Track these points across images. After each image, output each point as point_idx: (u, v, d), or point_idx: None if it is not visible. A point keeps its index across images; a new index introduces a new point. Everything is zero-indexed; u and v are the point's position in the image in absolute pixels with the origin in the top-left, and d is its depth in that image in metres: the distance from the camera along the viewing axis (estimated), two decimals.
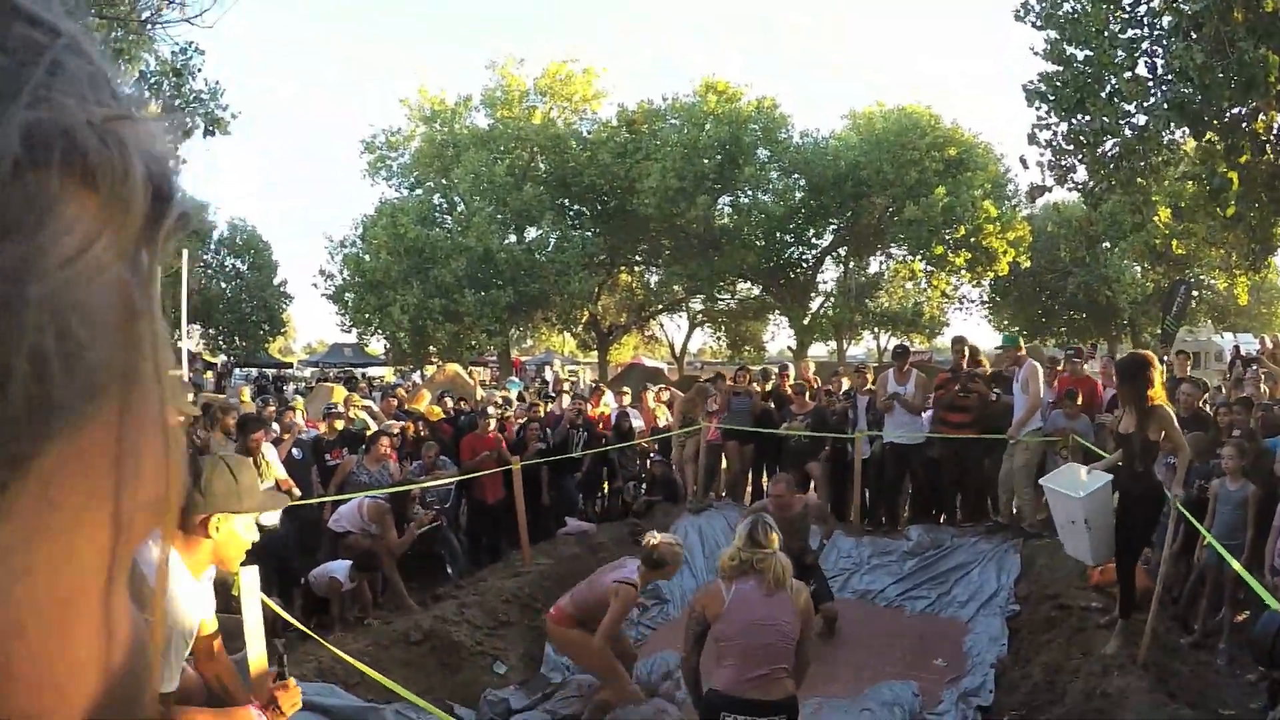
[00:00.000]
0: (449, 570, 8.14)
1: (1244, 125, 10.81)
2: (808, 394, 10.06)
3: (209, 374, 27.69)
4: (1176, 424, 5.24)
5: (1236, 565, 4.04)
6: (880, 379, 9.40)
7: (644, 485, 10.00)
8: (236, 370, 30.08)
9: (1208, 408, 7.69)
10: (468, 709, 5.32)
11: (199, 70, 13.72)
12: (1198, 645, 5.78)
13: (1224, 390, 9.41)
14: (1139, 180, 12.10)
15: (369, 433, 8.42)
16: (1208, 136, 11.15)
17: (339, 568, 6.32)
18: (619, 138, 28.68)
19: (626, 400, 11.55)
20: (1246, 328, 30.60)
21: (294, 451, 7.71)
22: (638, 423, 10.72)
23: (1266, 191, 11.23)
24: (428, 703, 4.89)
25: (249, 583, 2.97)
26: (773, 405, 10.08)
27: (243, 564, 2.78)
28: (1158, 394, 5.18)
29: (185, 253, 19.34)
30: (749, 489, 10.50)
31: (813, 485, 9.74)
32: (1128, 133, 11.62)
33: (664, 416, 11.18)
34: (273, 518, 6.55)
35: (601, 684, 5.34)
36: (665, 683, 5.92)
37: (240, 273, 34.11)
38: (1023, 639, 6.28)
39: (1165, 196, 13.79)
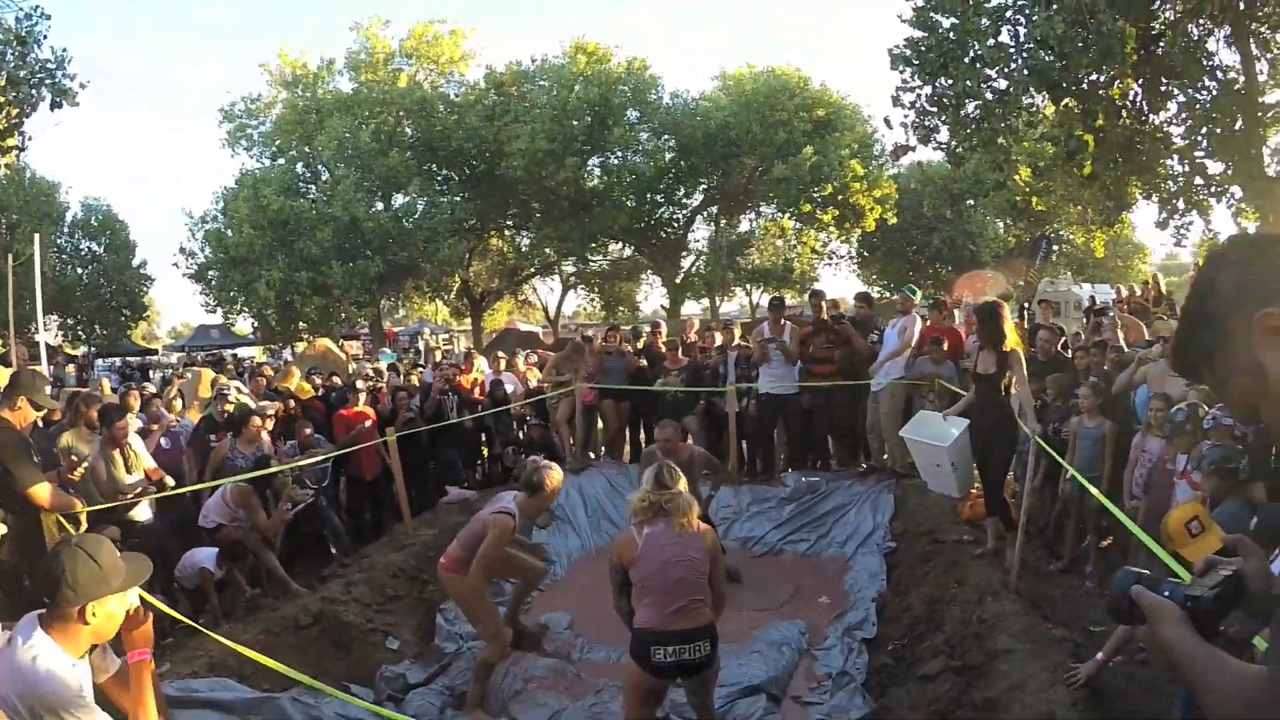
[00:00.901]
0: (333, 550, 7.90)
1: (1100, 92, 11.51)
2: (680, 349, 10.20)
3: (70, 367, 25.78)
4: (1024, 368, 5.72)
5: (1098, 494, 4.37)
6: (756, 330, 9.61)
7: (522, 449, 9.93)
8: (99, 361, 28.02)
9: (1067, 352, 8.27)
10: (364, 688, 5.18)
11: (44, 37, 12.61)
12: (1066, 570, 6.23)
13: (1082, 336, 10.11)
14: (999, 141, 12.74)
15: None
16: (1066, 101, 11.84)
17: (205, 555, 6.07)
18: (487, 100, 28.07)
19: (503, 366, 11.40)
20: (1104, 279, 32.88)
21: (163, 441, 7.28)
22: (512, 388, 10.60)
23: (1121, 154, 12.01)
24: (324, 685, 4.77)
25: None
26: (645, 363, 10.19)
27: None
28: (1011, 337, 5.63)
29: (37, 237, 17.77)
30: (627, 446, 10.62)
31: (689, 439, 9.94)
32: (989, 96, 12.21)
33: (536, 379, 11.11)
34: (145, 511, 6.20)
35: (485, 643, 5.36)
36: (556, 641, 5.99)
37: (97, 256, 31.74)
38: (901, 573, 6.57)
39: (1025, 156, 14.58)
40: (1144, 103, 12.04)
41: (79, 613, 2.36)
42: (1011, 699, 3.56)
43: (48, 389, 5.03)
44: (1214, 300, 1.12)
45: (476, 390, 10.45)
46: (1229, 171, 12.34)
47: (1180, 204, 12.90)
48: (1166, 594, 1.19)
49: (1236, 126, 11.94)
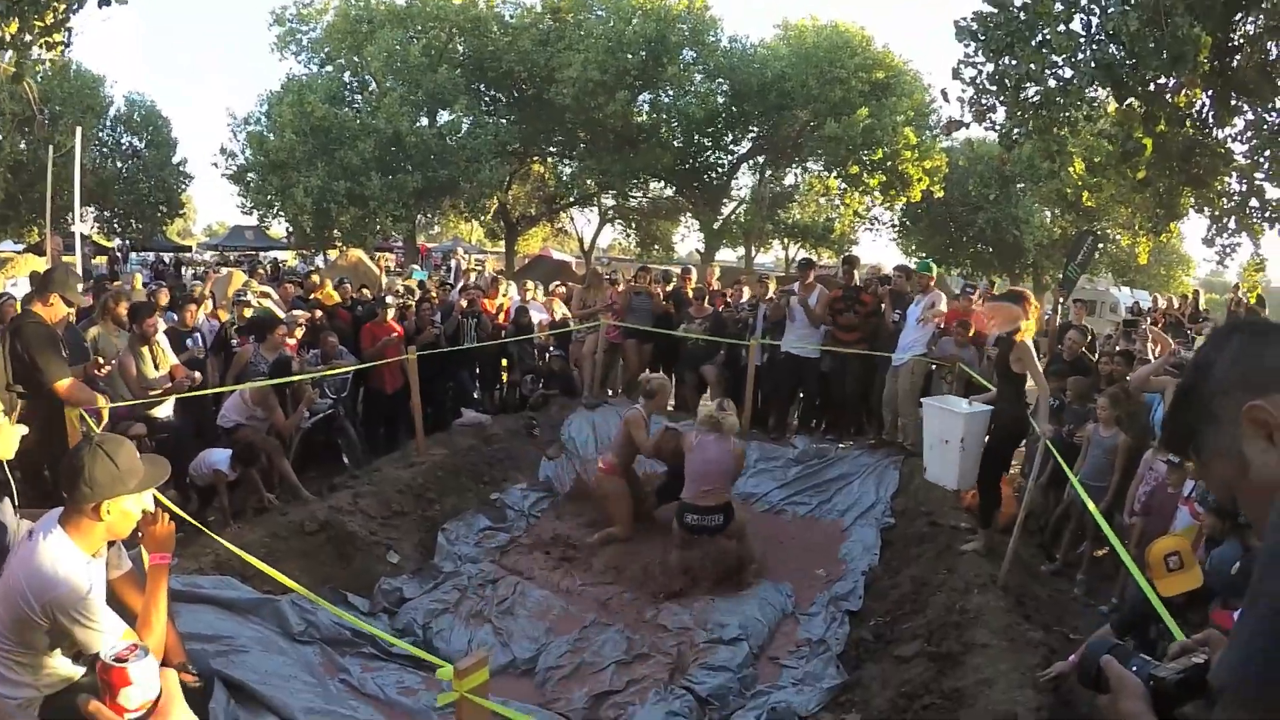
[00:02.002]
0: (346, 461, 8.10)
1: (1166, 96, 11.10)
2: (706, 299, 10.21)
3: (102, 259, 26.13)
4: (1036, 362, 5.56)
5: (1093, 508, 4.37)
6: (788, 287, 9.57)
7: (541, 379, 10.04)
8: (133, 254, 28.33)
9: (1094, 355, 8.19)
10: (362, 597, 5.39)
11: None
12: (1057, 574, 6.27)
13: (1112, 340, 9.97)
14: (1055, 130, 12.37)
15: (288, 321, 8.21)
16: (1129, 101, 11.44)
17: (219, 457, 6.18)
18: (542, 25, 27.58)
19: (531, 294, 11.45)
20: (1144, 285, 32.27)
21: (188, 342, 7.41)
22: (539, 316, 10.66)
23: (1178, 163, 11.63)
24: (319, 594, 4.94)
25: None
26: (673, 307, 10.20)
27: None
28: (1026, 328, 5.46)
29: (79, 130, 17.86)
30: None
31: (708, 388, 10.04)
32: (1051, 83, 11.80)
33: (561, 312, 11.17)
34: (166, 409, 6.37)
35: (614, 524, 6.80)
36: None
37: (137, 151, 31.64)
38: (894, 550, 6.64)
39: (1081, 150, 14.15)
40: (1210, 114, 11.63)
41: (94, 509, 2.46)
42: (979, 693, 3.65)
43: (80, 286, 5.15)
44: (1208, 382, 1.12)
45: (501, 316, 10.53)
46: None
47: (1231, 223, 12.54)
48: (1134, 669, 1.24)
49: None
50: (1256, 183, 11.87)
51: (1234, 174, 12.18)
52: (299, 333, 8.18)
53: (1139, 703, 1.18)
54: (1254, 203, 12.09)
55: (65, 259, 19.27)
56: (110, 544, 2.65)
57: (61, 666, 2.49)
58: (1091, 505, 4.59)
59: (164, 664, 2.69)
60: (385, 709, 4.07)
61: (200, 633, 3.90)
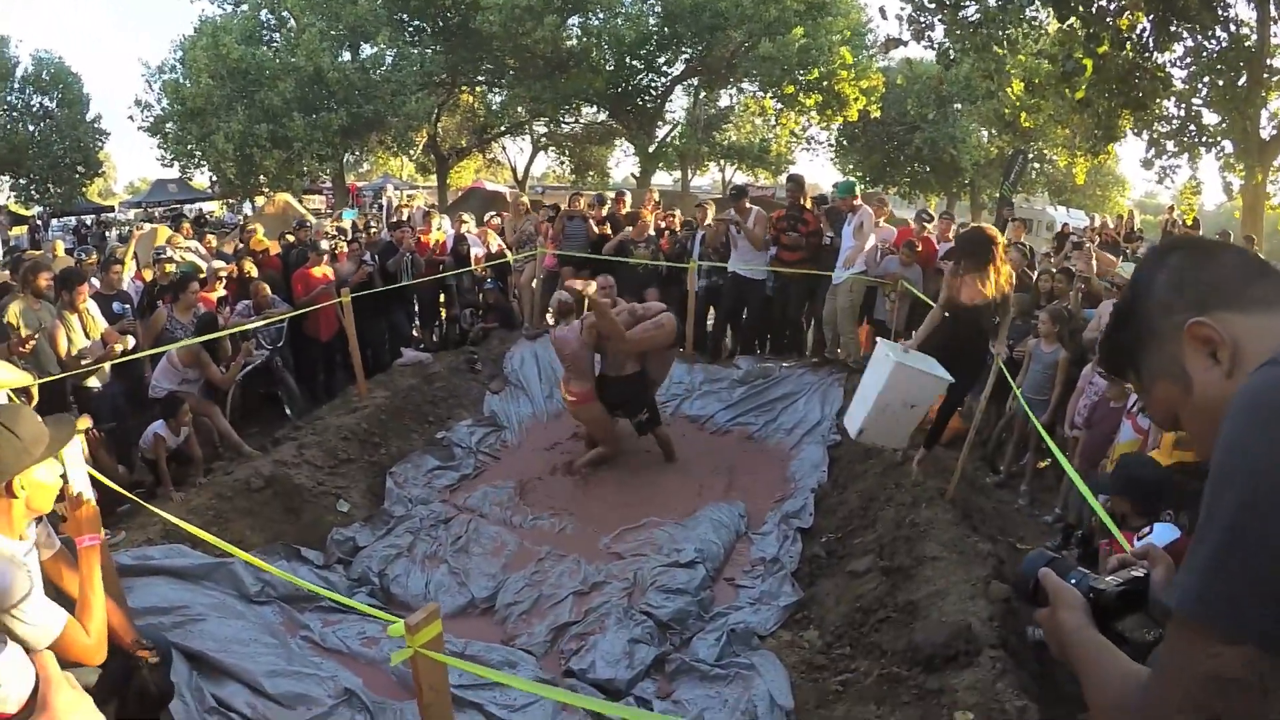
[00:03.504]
0: (287, 412, 7.92)
1: (1108, 19, 11.12)
2: (653, 228, 10.11)
3: (20, 229, 24.76)
4: (1010, 311, 5.55)
5: (1038, 424, 4.47)
6: (718, 217, 9.50)
7: (480, 313, 9.88)
8: (54, 221, 26.90)
9: (1033, 273, 8.34)
10: (315, 550, 5.31)
11: None
12: (1001, 485, 6.46)
13: (1050, 259, 10.18)
14: (995, 49, 12.36)
15: (201, 276, 7.84)
16: (1071, 21, 11.44)
17: (155, 425, 6.04)
18: None
19: (465, 226, 11.17)
20: (1080, 205, 32.74)
21: (115, 306, 7.09)
22: (476, 249, 10.45)
23: (1118, 85, 11.75)
24: (271, 551, 4.88)
25: (72, 454, 2.76)
26: (610, 231, 10.06)
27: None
28: (1004, 275, 5.35)
29: None
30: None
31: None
32: (991, 1, 11.76)
33: (496, 243, 10.97)
34: (100, 378, 6.12)
35: (600, 443, 6.95)
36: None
37: (49, 112, 29.78)
38: (841, 467, 6.74)
39: (1019, 70, 14.20)
40: (1150, 38, 11.74)
41: (6, 488, 2.31)
42: (932, 604, 3.76)
43: None
44: (1148, 300, 1.09)
45: (437, 250, 10.28)
46: (1224, 125, 12.18)
47: (1170, 146, 12.80)
48: (1073, 581, 1.21)
49: (1240, 82, 11.73)
50: (1194, 108, 12.09)
51: (1172, 99, 12.39)
52: (219, 287, 7.86)
53: (1078, 614, 1.16)
54: (1191, 128, 12.35)
55: None
56: (38, 522, 2.52)
57: None
58: (1036, 422, 4.69)
59: (115, 643, 2.62)
60: (349, 661, 4.06)
61: (155, 605, 3.81)
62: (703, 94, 30.86)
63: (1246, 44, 11.65)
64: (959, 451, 5.53)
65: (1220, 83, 11.80)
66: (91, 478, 2.83)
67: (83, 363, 5.89)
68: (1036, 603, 1.26)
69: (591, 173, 36.97)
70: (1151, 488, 3.56)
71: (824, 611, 4.51)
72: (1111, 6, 11.02)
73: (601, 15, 27.05)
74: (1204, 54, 11.85)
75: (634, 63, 28.51)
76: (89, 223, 26.96)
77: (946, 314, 5.66)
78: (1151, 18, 11.38)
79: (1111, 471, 3.81)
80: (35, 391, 4.92)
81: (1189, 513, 3.33)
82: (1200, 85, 12.03)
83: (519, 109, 29.63)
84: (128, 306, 7.34)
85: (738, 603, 4.98)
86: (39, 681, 1.08)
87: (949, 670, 3.40)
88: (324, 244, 9.18)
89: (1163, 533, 2.98)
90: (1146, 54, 11.93)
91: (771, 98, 29.22)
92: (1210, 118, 12.37)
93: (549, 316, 7.23)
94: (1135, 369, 1.13)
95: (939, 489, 5.24)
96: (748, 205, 9.11)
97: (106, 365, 6.15)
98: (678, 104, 32.37)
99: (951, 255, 7.83)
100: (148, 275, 8.55)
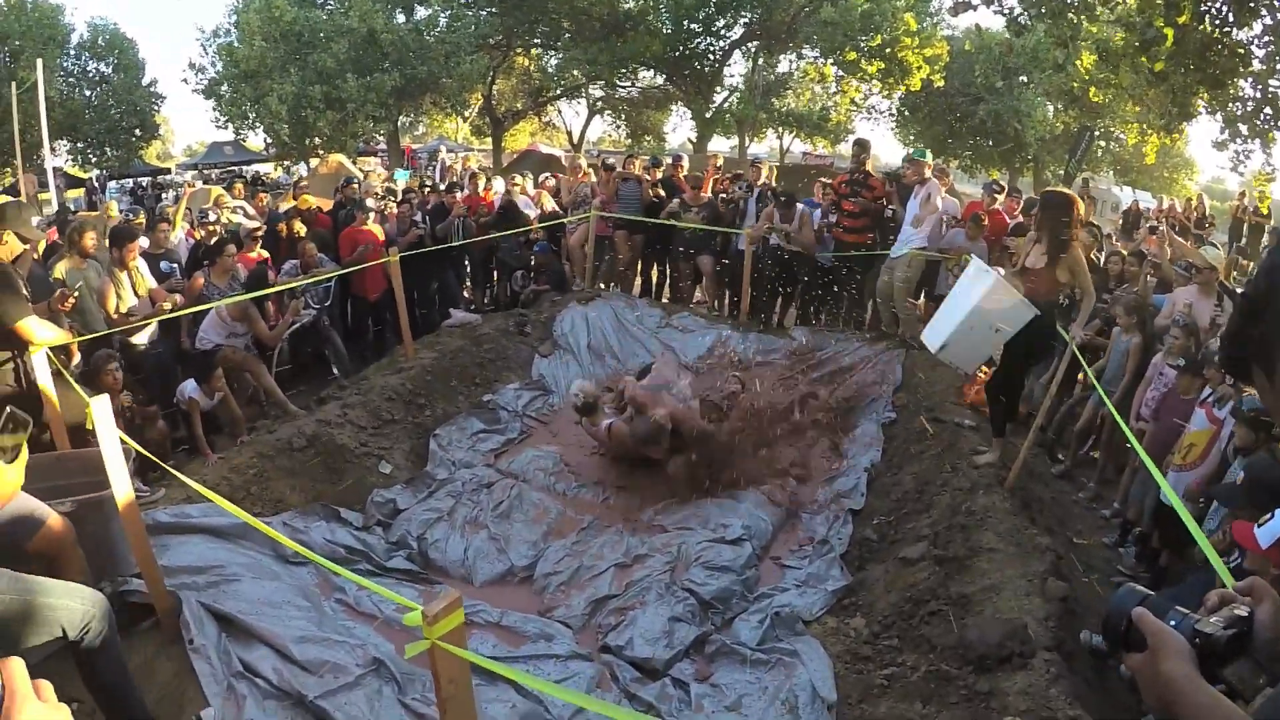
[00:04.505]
0: (335, 371, 7.92)
1: None
2: (704, 188, 9.86)
3: (78, 191, 25.32)
4: (1087, 269, 5.12)
5: (1117, 416, 4.19)
6: (766, 212, 9.21)
7: (532, 275, 9.78)
8: (111, 183, 27.46)
9: (1100, 256, 7.94)
10: (355, 511, 5.28)
11: None
12: (1061, 476, 6.16)
13: (1113, 240, 9.71)
14: (1070, 16, 11.77)
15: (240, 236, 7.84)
16: None
17: (189, 386, 6.02)
18: None
19: (519, 188, 11.04)
20: (1146, 186, 31.55)
21: (163, 265, 7.12)
22: (529, 211, 10.32)
23: (1195, 59, 11.15)
24: (311, 511, 4.84)
25: (102, 414, 2.69)
26: (664, 194, 9.84)
27: (93, 396, 2.53)
28: (1077, 235, 5.04)
29: (40, 62, 16.92)
30: (638, 280, 10.48)
31: (704, 279, 9.84)
32: None
33: (550, 204, 10.83)
34: (145, 335, 6.16)
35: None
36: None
37: (105, 77, 30.15)
38: (896, 446, 6.48)
39: (1093, 40, 13.54)
40: (1230, 12, 11.08)
41: None
42: (986, 599, 3.56)
43: (35, 219, 4.85)
44: None
45: (486, 210, 10.17)
46: None
47: (1244, 129, 12.14)
48: (1174, 624, 1.06)
49: None
50: (1271, 90, 11.46)
51: (1250, 78, 11.75)
52: (256, 248, 7.84)
53: (1185, 664, 1.01)
54: (1267, 110, 11.71)
55: (41, 196, 18.69)
56: None
57: None
58: (1113, 409, 4.41)
59: None
60: (383, 627, 4.00)
61: (191, 564, 3.79)
62: (761, 59, 30.17)
63: None
64: (1020, 438, 5.25)
65: None
66: (123, 442, 2.76)
67: (131, 319, 5.93)
68: (1130, 647, 1.09)
69: (648, 138, 36.54)
70: (1271, 490, 3.29)
71: (873, 599, 4.32)
72: None
73: None
74: None
75: (692, 26, 27.97)
76: (145, 185, 27.45)
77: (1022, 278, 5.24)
78: None
79: (1240, 483, 3.51)
80: (76, 349, 4.93)
81: None
82: (1278, 65, 11.34)
83: (575, 72, 29.29)
84: (175, 265, 7.37)
85: (784, 584, 4.82)
86: (3, 694, 0.97)
87: (1000, 672, 3.21)
88: (370, 202, 9.12)
89: None
90: (1225, 29, 11.29)
91: (832, 64, 28.46)
92: None
93: (575, 397, 6.55)
94: (1267, 368, 0.95)
95: (999, 475, 4.99)
96: (795, 210, 8.89)
97: (154, 323, 6.17)
98: (736, 69, 31.80)
99: (1018, 231, 7.52)
100: (198, 235, 8.61)
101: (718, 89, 30.78)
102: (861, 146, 8.89)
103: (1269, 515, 2.68)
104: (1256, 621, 1.08)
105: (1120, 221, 14.93)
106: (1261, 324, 0.95)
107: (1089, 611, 3.77)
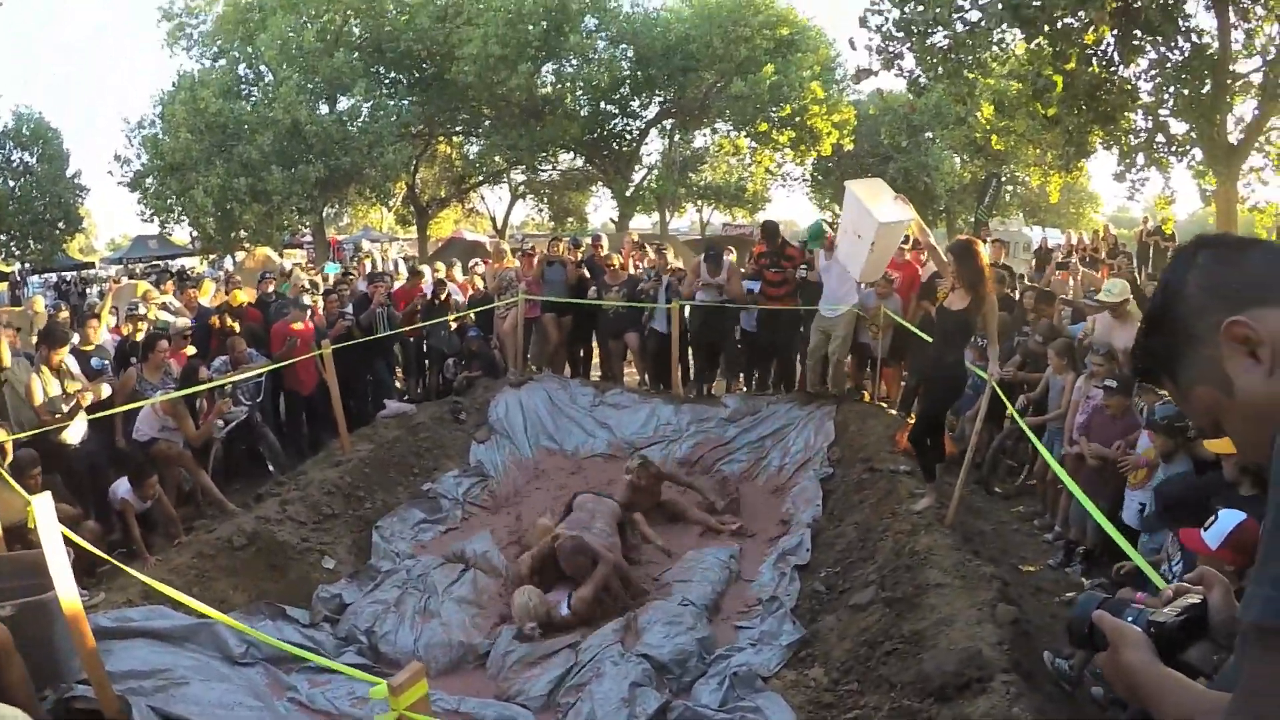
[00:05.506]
0: (270, 468, 7.77)
1: (1073, 36, 11.38)
2: (618, 264, 10.11)
3: (0, 285, 24.62)
4: (996, 318, 5.50)
5: (1034, 439, 4.38)
6: (691, 265, 9.49)
7: (463, 361, 9.81)
8: (33, 278, 26.71)
9: (1014, 294, 8.38)
10: (301, 608, 5.15)
11: None
12: (997, 505, 6.37)
13: (1025, 279, 10.26)
14: (965, 74, 12.56)
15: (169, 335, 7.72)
16: (1037, 40, 11.70)
17: (121, 488, 5.85)
18: (439, 1, 26.72)
19: (443, 274, 11.13)
20: (1055, 223, 33.26)
21: (93, 362, 6.96)
22: (458, 297, 10.37)
23: (1086, 100, 11.99)
24: (255, 610, 4.73)
25: (44, 512, 2.64)
26: (588, 274, 10.04)
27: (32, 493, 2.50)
28: (989, 278, 5.36)
29: None
30: (566, 362, 10.60)
31: (628, 355, 10.00)
32: (959, 27, 11.98)
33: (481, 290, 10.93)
34: (78, 434, 5.99)
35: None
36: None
37: (29, 167, 29.60)
38: (836, 500, 6.64)
39: (989, 93, 14.46)
40: (1115, 53, 12.00)
41: None
42: (939, 633, 3.66)
43: None
44: (1180, 303, 1.04)
45: (416, 298, 10.18)
46: (1192, 133, 12.45)
47: (1140, 159, 13.04)
48: (1130, 619, 1.17)
49: (1204, 90, 12.02)
50: (1162, 119, 12.31)
51: (1140, 111, 12.63)
52: (187, 345, 7.75)
53: (1143, 651, 1.10)
54: (1160, 138, 12.55)
55: None
56: None
57: None
58: (1039, 444, 4.65)
59: None
60: None
61: (135, 669, 3.66)
62: (677, 136, 31.18)
63: (1208, 52, 11.93)
64: (954, 476, 5.45)
65: (1185, 91, 12.05)
66: (66, 539, 2.71)
67: (55, 416, 5.79)
68: (1095, 647, 1.20)
69: (570, 219, 37.16)
70: (1197, 502, 3.51)
71: (828, 648, 4.39)
72: (1076, 24, 11.26)
73: (575, 62, 27.37)
74: (1168, 64, 12.12)
75: (608, 108, 28.84)
76: (70, 279, 26.77)
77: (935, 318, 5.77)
78: (1115, 32, 11.64)
79: (1155, 511, 3.74)
80: (10, 447, 4.80)
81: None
82: (1166, 95, 12.26)
83: (496, 158, 29.82)
84: (106, 362, 7.23)
85: (738, 644, 4.84)
86: None
87: (962, 699, 3.29)
88: (305, 299, 9.09)
89: (1228, 519, 2.89)
90: (1112, 68, 12.18)
91: (745, 136, 29.57)
92: (1178, 127, 12.63)
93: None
94: (1171, 375, 1.08)
95: (938, 515, 5.15)
96: (723, 262, 9.11)
97: (84, 421, 6.02)
98: (653, 147, 32.72)
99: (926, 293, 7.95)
100: (125, 330, 8.45)
101: (636, 167, 31.61)
102: (769, 231, 9.29)
103: (1212, 519, 2.88)
104: (1210, 606, 1.18)
105: (1033, 261, 15.69)
106: (1162, 335, 1.07)
107: (1042, 632, 3.90)
